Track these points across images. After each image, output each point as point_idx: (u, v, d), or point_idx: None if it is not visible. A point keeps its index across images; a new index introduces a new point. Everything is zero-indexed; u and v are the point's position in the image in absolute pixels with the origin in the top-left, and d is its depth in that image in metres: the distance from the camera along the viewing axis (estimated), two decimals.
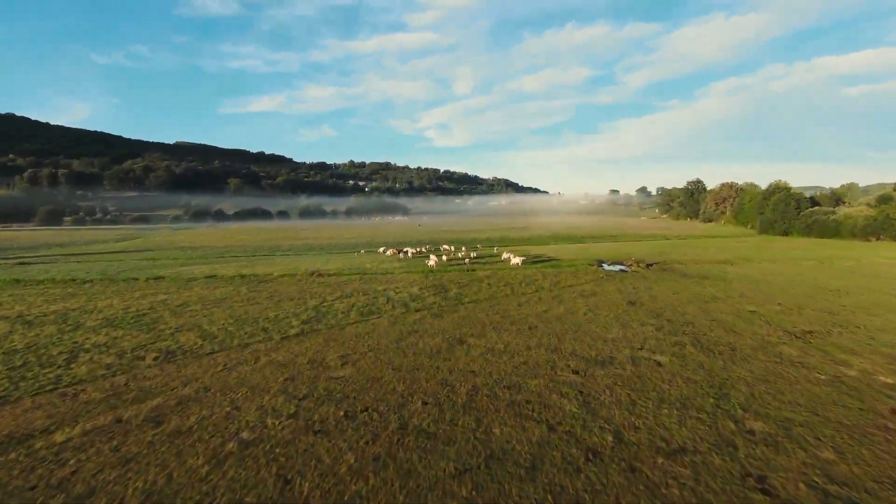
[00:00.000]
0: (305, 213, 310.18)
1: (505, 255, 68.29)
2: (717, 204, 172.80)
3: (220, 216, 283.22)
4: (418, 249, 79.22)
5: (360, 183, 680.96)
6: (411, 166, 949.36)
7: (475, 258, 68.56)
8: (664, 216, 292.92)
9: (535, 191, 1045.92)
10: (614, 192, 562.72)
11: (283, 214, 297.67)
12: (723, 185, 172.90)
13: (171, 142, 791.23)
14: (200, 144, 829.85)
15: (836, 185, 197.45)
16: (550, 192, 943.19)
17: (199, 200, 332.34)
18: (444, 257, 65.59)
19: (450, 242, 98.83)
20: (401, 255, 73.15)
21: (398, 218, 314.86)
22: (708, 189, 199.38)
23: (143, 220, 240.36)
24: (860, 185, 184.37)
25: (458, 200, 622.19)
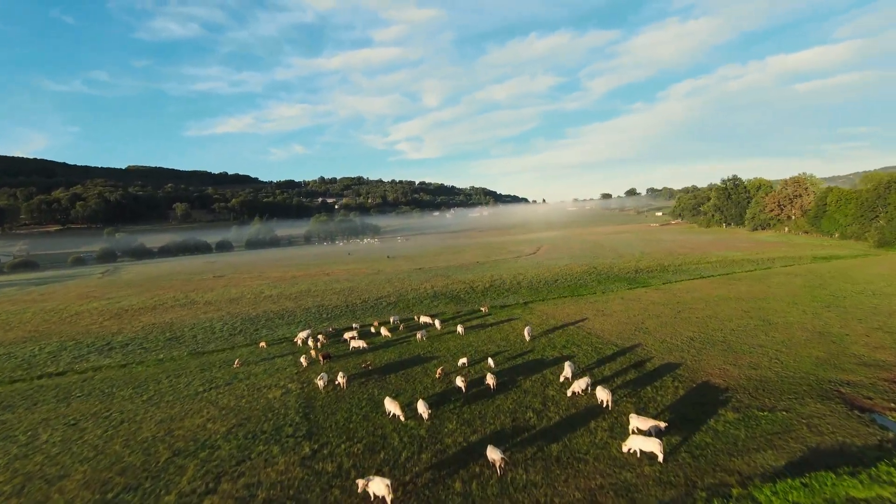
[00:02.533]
0: (254, 243, 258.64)
1: (562, 377, 33.93)
2: (780, 206, 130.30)
3: (140, 254, 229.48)
4: (352, 337, 49.21)
5: (329, 200, 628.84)
6: (385, 180, 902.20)
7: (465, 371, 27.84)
8: (676, 222, 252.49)
9: (515, 198, 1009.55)
10: (606, 196, 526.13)
11: (223, 247, 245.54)
12: (788, 180, 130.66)
13: (124, 166, 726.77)
14: (155, 168, 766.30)
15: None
16: (530, 199, 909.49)
17: (126, 233, 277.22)
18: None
19: (418, 298, 52.45)
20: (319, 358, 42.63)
21: (367, 241, 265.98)
22: (689, 188, 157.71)
23: (29, 266, 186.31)
24: (818, 176, 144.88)
25: (436, 214, 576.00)
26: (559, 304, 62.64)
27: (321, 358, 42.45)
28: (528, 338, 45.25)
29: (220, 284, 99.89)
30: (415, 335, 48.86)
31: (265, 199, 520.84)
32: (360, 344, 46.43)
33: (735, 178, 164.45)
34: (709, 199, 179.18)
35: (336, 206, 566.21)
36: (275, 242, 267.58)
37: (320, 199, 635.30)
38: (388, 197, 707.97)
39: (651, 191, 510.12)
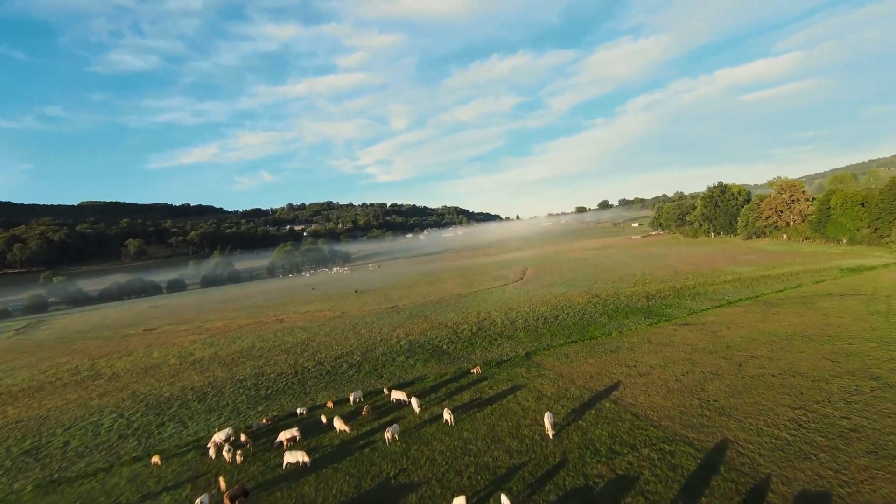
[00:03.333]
0: (210, 280, 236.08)
1: None
2: (777, 213, 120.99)
3: (77, 300, 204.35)
4: (290, 441, 34.49)
5: (298, 227, 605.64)
6: (356, 204, 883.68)
7: None
8: (657, 233, 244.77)
9: (488, 216, 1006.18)
10: (581, 209, 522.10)
11: (175, 286, 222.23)
12: (782, 185, 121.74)
13: (76, 202, 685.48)
14: (111, 203, 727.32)
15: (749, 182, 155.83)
16: (503, 216, 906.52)
17: (68, 276, 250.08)
18: None
19: (389, 354, 37.34)
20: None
21: (336, 270, 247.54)
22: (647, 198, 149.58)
23: None
24: (767, 181, 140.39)
25: (409, 236, 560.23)
26: (572, 355, 47.99)
27: None
28: (550, 432, 30.13)
29: (143, 344, 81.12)
30: (383, 434, 33.09)
31: (228, 230, 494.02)
32: (300, 458, 30.44)
33: (722, 186, 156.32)
34: (694, 209, 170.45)
35: (305, 234, 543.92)
36: (234, 278, 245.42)
37: (288, 227, 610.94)
38: (359, 221, 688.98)
39: (623, 202, 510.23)
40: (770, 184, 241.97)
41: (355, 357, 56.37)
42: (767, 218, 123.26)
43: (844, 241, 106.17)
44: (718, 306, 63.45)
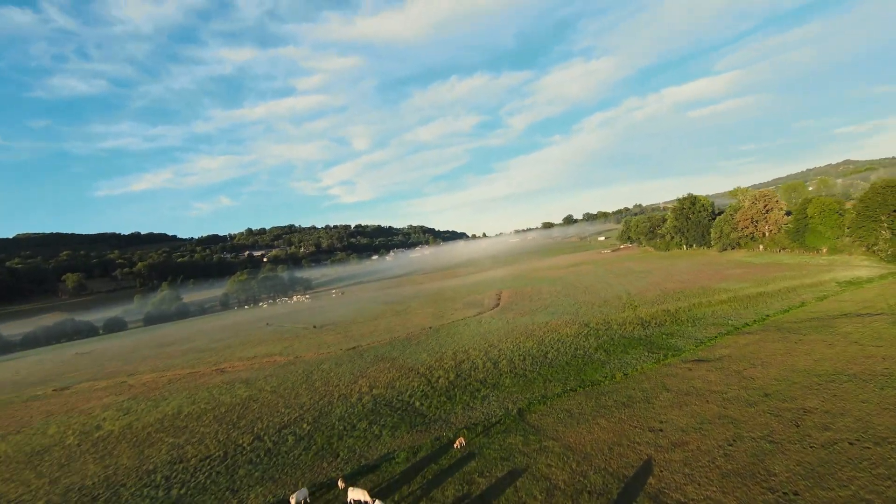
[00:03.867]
0: (155, 317, 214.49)
1: None
2: (754, 223, 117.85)
3: None
4: None
5: (257, 253, 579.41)
6: (319, 226, 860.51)
7: None
8: (626, 246, 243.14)
9: (454, 234, 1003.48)
10: (548, 225, 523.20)
11: (113, 326, 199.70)
12: (757, 194, 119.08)
13: (11, 235, 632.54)
14: (51, 234, 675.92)
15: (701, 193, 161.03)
16: (469, 234, 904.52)
17: None
18: None
19: (347, 420, 34.04)
20: None
21: (296, 299, 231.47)
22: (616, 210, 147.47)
23: None
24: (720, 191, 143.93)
25: (375, 257, 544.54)
26: (576, 412, 38.59)
27: None
28: None
29: (44, 411, 65.85)
30: None
31: (180, 259, 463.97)
32: None
33: (692, 197, 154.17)
34: (664, 221, 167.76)
35: (265, 259, 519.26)
36: (182, 313, 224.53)
37: (247, 253, 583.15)
38: (322, 244, 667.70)
39: (588, 216, 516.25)
40: (733, 193, 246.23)
41: (305, 425, 44.75)
42: (744, 229, 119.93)
43: (824, 250, 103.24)
44: (727, 333, 55.97)
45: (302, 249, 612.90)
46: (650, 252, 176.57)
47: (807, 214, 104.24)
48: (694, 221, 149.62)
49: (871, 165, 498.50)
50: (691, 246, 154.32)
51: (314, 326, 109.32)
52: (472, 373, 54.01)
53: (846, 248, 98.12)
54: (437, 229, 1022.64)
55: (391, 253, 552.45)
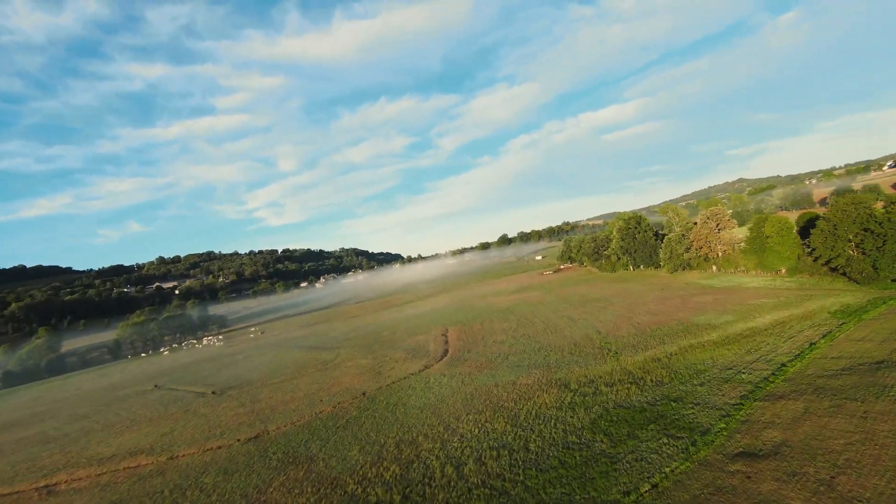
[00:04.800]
0: (19, 376, 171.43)
1: None
2: (708, 243, 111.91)
3: None
4: None
5: (167, 285, 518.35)
6: (241, 252, 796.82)
7: None
8: (567, 266, 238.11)
9: (389, 255, 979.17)
10: (485, 245, 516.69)
11: None
12: (709, 213, 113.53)
13: None
14: None
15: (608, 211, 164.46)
16: (405, 255, 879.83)
17: None
18: None
19: None
20: None
21: (206, 342, 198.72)
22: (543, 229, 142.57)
23: None
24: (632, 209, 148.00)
25: (304, 285, 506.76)
26: None
27: None
28: None
29: None
30: None
31: (69, 297, 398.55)
32: None
33: (637, 217, 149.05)
34: (609, 241, 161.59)
35: (176, 291, 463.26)
36: (57, 368, 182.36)
37: (156, 286, 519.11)
38: (244, 272, 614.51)
39: (522, 234, 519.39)
40: (663, 210, 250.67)
41: None
42: (698, 249, 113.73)
43: (783, 270, 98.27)
44: (752, 397, 43.22)
45: (221, 279, 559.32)
46: (595, 273, 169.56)
47: (764, 233, 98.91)
48: (641, 241, 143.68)
49: (769, 183, 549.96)
50: (638, 267, 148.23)
51: (212, 392, 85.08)
52: (427, 488, 36.35)
53: (807, 269, 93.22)
54: (370, 251, 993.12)
55: (321, 279, 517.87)
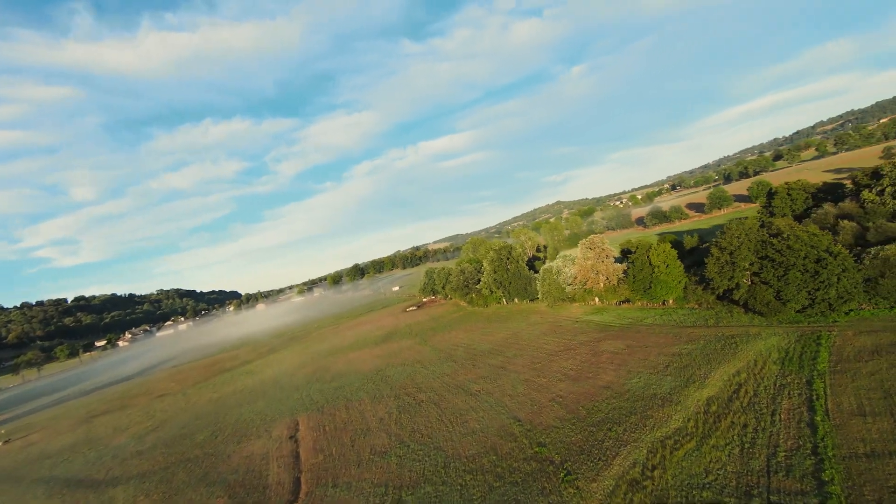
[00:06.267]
0: None
1: None
2: (595, 273, 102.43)
3: None
4: None
5: None
6: (10, 306, 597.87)
7: None
8: (430, 299, 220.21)
9: (223, 294, 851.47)
10: (336, 278, 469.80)
11: None
12: (590, 242, 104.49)
13: None
14: None
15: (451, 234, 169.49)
16: (243, 293, 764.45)
17: None
18: None
19: None
20: None
21: None
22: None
23: None
24: (469, 231, 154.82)
25: (101, 345, 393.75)
26: None
27: None
28: None
29: None
30: None
31: None
32: None
33: (508, 247, 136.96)
34: (480, 272, 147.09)
35: None
36: None
37: None
38: (10, 334, 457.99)
39: (375, 263, 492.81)
40: (516, 234, 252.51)
41: None
42: (585, 282, 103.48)
43: (671, 301, 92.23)
44: None
45: None
46: (466, 309, 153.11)
47: (651, 263, 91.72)
48: (514, 273, 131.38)
49: (582, 206, 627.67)
50: (513, 300, 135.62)
51: None
52: None
53: (694, 298, 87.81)
54: (199, 291, 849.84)
55: (127, 335, 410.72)
